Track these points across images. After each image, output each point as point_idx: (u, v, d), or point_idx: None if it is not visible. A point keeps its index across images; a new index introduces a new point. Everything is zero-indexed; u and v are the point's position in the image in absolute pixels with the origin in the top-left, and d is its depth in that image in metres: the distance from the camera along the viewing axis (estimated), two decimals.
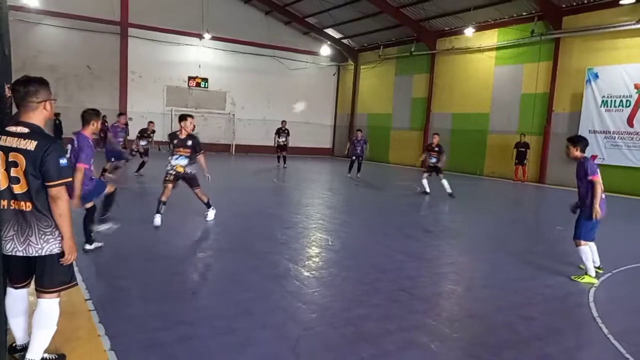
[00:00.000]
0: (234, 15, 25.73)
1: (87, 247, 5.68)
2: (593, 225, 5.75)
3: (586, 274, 5.76)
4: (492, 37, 20.48)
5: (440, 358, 3.62)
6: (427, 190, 13.07)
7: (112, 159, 11.95)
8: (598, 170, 5.73)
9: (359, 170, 16.39)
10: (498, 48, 20.30)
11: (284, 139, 18.97)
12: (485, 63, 20.88)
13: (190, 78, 25.26)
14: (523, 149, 18.55)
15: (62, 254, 2.87)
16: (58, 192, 2.76)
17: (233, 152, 26.13)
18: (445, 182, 12.62)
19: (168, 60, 24.59)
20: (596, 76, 16.83)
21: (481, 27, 20.45)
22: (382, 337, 3.84)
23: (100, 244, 5.86)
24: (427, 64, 23.69)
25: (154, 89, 24.47)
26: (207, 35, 24.46)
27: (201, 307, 4.30)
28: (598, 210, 5.60)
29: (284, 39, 27.38)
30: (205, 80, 25.64)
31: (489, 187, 17.43)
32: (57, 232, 2.85)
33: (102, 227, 6.31)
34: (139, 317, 3.95)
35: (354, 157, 16.49)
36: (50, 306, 2.94)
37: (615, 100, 16.37)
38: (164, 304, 4.29)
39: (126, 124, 13.83)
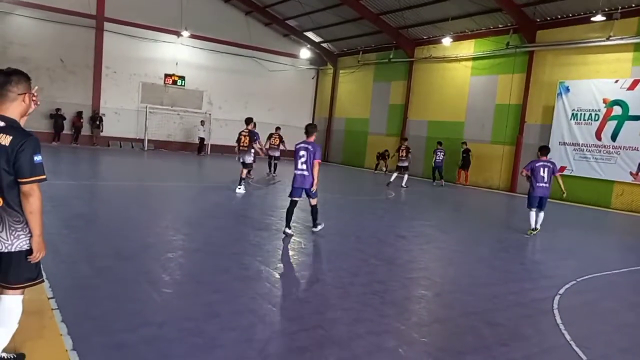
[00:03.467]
0: (213, 14, 25.53)
1: (314, 229, 7.81)
2: (530, 199, 9.42)
3: (530, 227, 9.49)
4: (468, 48, 20.87)
5: None
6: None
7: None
8: (530, 167, 9.42)
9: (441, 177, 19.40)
10: (474, 58, 20.69)
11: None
12: (461, 72, 21.25)
13: (166, 75, 24.90)
14: (465, 155, 19.88)
15: (31, 251, 2.80)
16: (30, 189, 2.69)
17: (208, 152, 25.85)
18: None
19: (144, 57, 24.19)
20: (567, 90, 17.31)
21: (458, 37, 20.81)
22: (352, 341, 3.85)
23: (322, 225, 7.86)
24: (405, 71, 23.97)
25: (129, 86, 24.03)
26: (185, 33, 24.20)
27: (169, 308, 4.24)
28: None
29: (263, 40, 27.30)
30: (182, 78, 25.33)
31: (464, 195, 17.70)
32: (27, 229, 2.77)
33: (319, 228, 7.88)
34: (104, 317, 3.86)
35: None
36: (13, 303, 2.86)
37: (584, 114, 16.87)
38: (131, 304, 4.20)
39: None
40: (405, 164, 17.10)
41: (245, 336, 3.76)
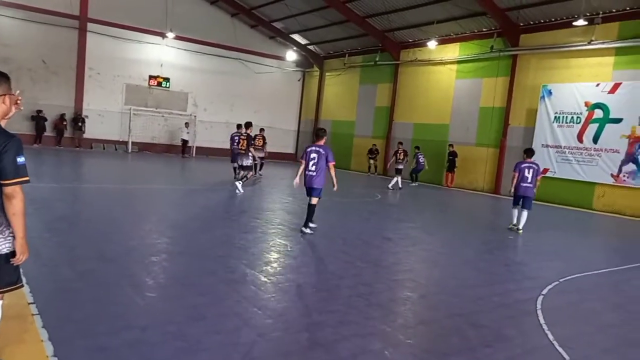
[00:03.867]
0: (199, 16, 25.39)
1: (304, 229, 8.03)
2: (514, 198, 10.24)
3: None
4: (453, 51, 21.07)
5: None
6: None
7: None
8: (518, 169, 10.09)
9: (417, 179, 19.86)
10: (459, 62, 20.89)
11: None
12: (446, 75, 21.44)
13: (151, 77, 24.66)
14: (452, 157, 20.12)
15: (12, 254, 2.75)
16: (13, 191, 2.64)
17: (194, 154, 25.66)
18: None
19: (128, 58, 23.95)
20: (550, 93, 17.58)
21: (443, 41, 21.00)
22: (337, 343, 3.85)
23: (315, 226, 8.22)
24: (390, 74, 24.11)
25: (113, 87, 23.75)
26: (170, 35, 24.03)
27: (152, 311, 4.19)
28: (511, 189, 10.30)
29: (249, 42, 27.23)
30: (167, 80, 25.12)
31: (448, 197, 17.83)
32: (7, 231, 2.72)
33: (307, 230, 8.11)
34: (86, 321, 3.80)
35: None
36: None
37: (567, 117, 17.14)
38: (114, 307, 4.15)
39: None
40: (401, 166, 17.91)
41: (230, 340, 3.74)
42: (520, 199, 10.08)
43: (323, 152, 7.98)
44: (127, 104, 24.11)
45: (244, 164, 12.31)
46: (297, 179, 8.28)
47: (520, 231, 10.00)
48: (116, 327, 3.73)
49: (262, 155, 17.63)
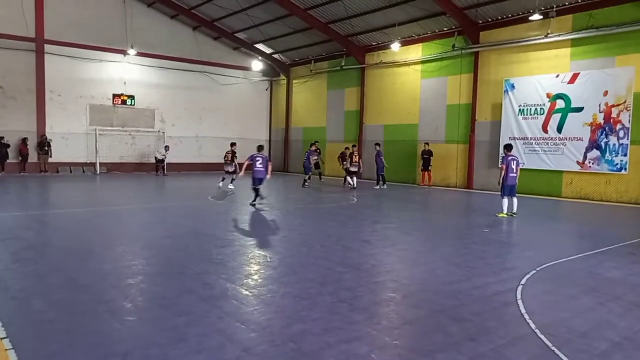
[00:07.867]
0: (160, 31, 25.10)
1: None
2: (505, 188, 11.47)
3: (502, 211, 11.55)
4: (417, 51, 21.40)
5: None
6: None
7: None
8: (506, 162, 11.55)
9: (384, 181, 19.27)
10: (423, 62, 21.22)
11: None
12: (412, 76, 21.74)
13: (115, 95, 24.19)
14: (427, 156, 20.10)
15: None
16: None
17: (165, 171, 25.17)
18: None
19: (90, 78, 23.44)
20: (512, 87, 18.02)
21: (406, 42, 21.31)
22: (323, 351, 3.82)
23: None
24: (357, 78, 24.30)
25: (76, 108, 23.20)
26: (131, 51, 23.64)
27: (132, 337, 4.07)
28: (500, 181, 11.62)
29: (213, 55, 27.06)
30: (132, 97, 24.69)
31: (423, 195, 18.03)
32: None
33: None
34: (63, 353, 3.67)
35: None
36: None
37: (530, 109, 17.59)
38: (91, 336, 4.02)
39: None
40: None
41: (214, 358, 3.66)
42: (510, 189, 11.50)
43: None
44: (92, 125, 23.57)
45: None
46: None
47: (516, 214, 11.58)
48: (95, 357, 3.61)
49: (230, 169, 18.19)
